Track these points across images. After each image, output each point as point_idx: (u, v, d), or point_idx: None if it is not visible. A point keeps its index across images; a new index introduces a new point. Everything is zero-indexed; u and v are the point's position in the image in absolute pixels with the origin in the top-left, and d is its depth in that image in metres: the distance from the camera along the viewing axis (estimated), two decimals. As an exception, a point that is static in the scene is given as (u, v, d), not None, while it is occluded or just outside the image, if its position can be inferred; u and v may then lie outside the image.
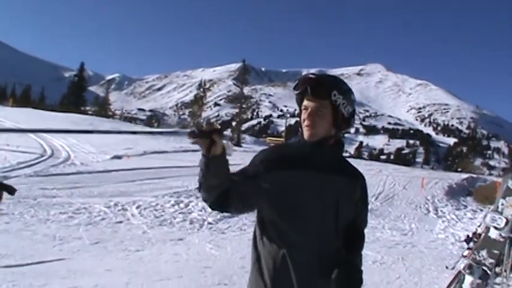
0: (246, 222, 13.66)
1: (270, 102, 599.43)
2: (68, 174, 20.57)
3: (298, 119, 2.92)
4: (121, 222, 12.33)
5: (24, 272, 7.22)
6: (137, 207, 14.04)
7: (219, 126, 2.44)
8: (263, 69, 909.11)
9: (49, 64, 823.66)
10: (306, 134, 2.79)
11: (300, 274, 2.71)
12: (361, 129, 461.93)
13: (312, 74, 2.84)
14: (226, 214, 13.97)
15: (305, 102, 2.80)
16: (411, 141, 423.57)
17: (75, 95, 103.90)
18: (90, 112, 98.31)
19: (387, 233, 14.64)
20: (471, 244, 8.03)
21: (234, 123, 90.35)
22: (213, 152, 2.45)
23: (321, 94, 2.73)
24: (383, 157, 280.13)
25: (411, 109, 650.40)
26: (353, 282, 2.76)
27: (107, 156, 29.68)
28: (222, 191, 2.56)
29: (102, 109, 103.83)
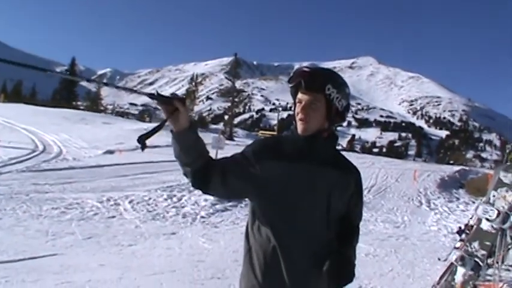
0: (239, 216, 13.69)
1: (262, 96, 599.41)
2: (60, 169, 20.51)
3: (290, 112, 2.92)
4: (114, 217, 12.31)
5: (17, 268, 7.22)
6: (130, 202, 14.03)
7: (182, 96, 2.47)
8: (255, 62, 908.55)
9: (40, 59, 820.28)
10: (299, 127, 2.77)
11: (291, 266, 2.71)
12: (354, 122, 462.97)
13: (306, 67, 2.83)
14: (218, 207, 14.03)
15: (299, 96, 2.78)
16: (403, 134, 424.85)
17: (67, 90, 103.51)
18: (81, 107, 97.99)
19: (380, 226, 14.70)
20: (463, 236, 8.08)
21: (226, 117, 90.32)
22: (178, 127, 2.48)
23: (315, 88, 2.72)
24: (375, 150, 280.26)
25: (403, 102, 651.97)
26: (345, 273, 2.76)
27: (99, 151, 29.62)
28: (199, 170, 2.59)
29: (94, 104, 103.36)
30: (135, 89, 2.81)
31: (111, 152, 30.21)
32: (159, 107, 2.47)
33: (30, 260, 8.02)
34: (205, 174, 2.60)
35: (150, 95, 2.44)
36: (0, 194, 13.26)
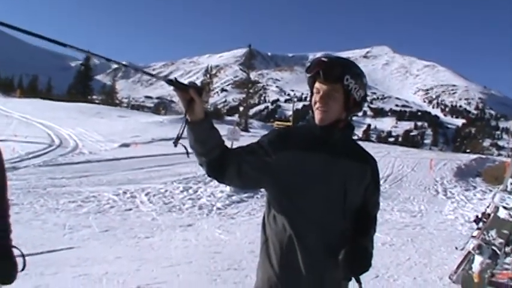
0: (255, 207, 13.70)
1: (277, 86, 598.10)
2: (77, 163, 20.64)
3: (305, 103, 2.91)
4: (130, 209, 12.39)
5: (35, 261, 7.25)
6: (146, 195, 14.09)
7: (199, 86, 2.48)
8: (269, 53, 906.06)
9: (55, 54, 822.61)
10: (317, 117, 2.76)
11: (307, 256, 2.71)
12: (369, 112, 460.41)
13: (324, 56, 2.81)
14: (234, 199, 14.04)
15: (317, 85, 2.77)
16: (419, 123, 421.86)
17: (82, 84, 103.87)
18: (97, 101, 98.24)
19: (396, 215, 14.65)
20: (480, 224, 8.02)
21: (241, 109, 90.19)
22: (193, 117, 2.48)
23: (333, 78, 2.70)
24: (391, 139, 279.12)
25: (419, 91, 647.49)
26: (361, 263, 2.75)
27: (115, 145, 29.73)
28: (215, 160, 2.59)
29: (109, 97, 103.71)
30: (154, 73, 2.81)
31: (127, 145, 30.32)
32: (176, 94, 2.48)
33: (48, 253, 8.09)
34: (220, 164, 2.61)
35: (168, 81, 2.46)
36: (18, 188, 13.34)
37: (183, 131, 2.50)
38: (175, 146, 2.49)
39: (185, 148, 2.54)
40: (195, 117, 2.48)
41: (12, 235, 3.00)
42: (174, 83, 2.45)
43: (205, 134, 2.54)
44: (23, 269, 2.91)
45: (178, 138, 2.49)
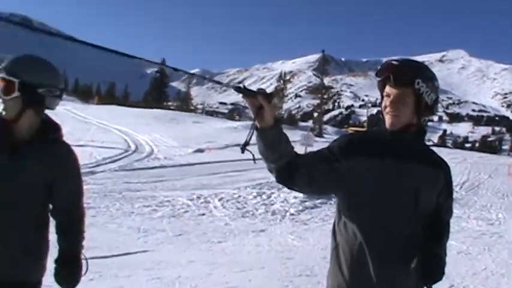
0: (328, 213, 13.58)
1: (351, 92, 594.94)
2: (152, 168, 20.96)
3: (379, 108, 2.87)
4: (204, 214, 12.50)
5: (110, 263, 7.42)
6: (219, 200, 14.17)
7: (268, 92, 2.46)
8: (343, 59, 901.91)
9: (132, 62, 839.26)
10: (387, 121, 2.72)
11: (378, 263, 2.66)
12: (445, 117, 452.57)
13: (394, 60, 2.78)
14: (308, 205, 13.98)
15: (387, 89, 2.72)
16: (497, 128, 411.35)
17: (158, 91, 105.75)
18: (172, 107, 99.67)
19: (472, 223, 14.27)
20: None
21: (315, 114, 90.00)
22: (262, 124, 2.46)
23: (403, 82, 2.66)
24: (468, 145, 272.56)
25: (496, 95, 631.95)
26: (434, 271, 2.69)
27: (189, 150, 30.04)
28: (284, 167, 2.56)
29: (184, 104, 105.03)
30: (223, 82, 2.86)
31: (201, 150, 30.60)
32: (245, 101, 2.48)
33: (122, 256, 8.26)
34: (289, 171, 2.58)
35: (237, 88, 2.46)
36: (95, 192, 13.63)
37: (250, 137, 2.49)
38: (243, 152, 2.49)
39: (252, 154, 2.53)
40: (265, 124, 2.46)
41: (84, 241, 3.12)
42: (243, 90, 2.46)
43: (275, 140, 2.51)
44: (85, 273, 3.05)
45: (246, 144, 2.49)
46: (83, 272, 3.07)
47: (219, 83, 3.00)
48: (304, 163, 2.62)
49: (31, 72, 2.81)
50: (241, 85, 2.48)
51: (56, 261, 3.04)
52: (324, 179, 2.68)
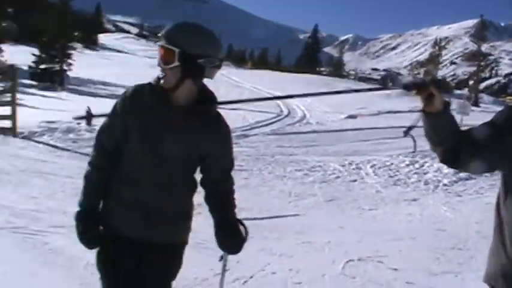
0: (484, 186, 12.99)
1: (510, 59, 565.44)
2: (304, 133, 21.11)
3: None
4: (355, 180, 12.40)
5: (261, 225, 7.50)
6: (371, 167, 13.99)
7: (438, 78, 2.32)
8: (502, 24, 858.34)
9: (284, 27, 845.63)
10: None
11: None
12: None
13: None
14: (462, 176, 13.48)
15: None
16: None
17: (310, 57, 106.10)
18: (324, 73, 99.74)
19: None
20: None
21: (470, 82, 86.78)
22: (429, 108, 2.34)
23: None
24: None
25: None
26: None
27: (341, 116, 29.98)
28: (448, 149, 2.42)
29: (337, 69, 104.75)
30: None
31: (353, 116, 30.43)
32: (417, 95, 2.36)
33: (273, 219, 8.35)
34: (454, 152, 2.43)
35: (405, 86, 2.37)
36: (248, 155, 13.88)
37: (417, 122, 2.40)
38: (405, 135, 2.40)
39: (413, 141, 2.43)
40: (434, 109, 2.34)
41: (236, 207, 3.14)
42: (412, 87, 2.35)
43: (442, 125, 2.39)
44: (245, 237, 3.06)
45: (410, 128, 2.39)
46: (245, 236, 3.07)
47: (382, 89, 2.88)
48: (468, 142, 2.44)
49: (192, 41, 2.76)
50: (408, 80, 2.36)
51: (217, 230, 3.07)
52: (490, 157, 2.48)
